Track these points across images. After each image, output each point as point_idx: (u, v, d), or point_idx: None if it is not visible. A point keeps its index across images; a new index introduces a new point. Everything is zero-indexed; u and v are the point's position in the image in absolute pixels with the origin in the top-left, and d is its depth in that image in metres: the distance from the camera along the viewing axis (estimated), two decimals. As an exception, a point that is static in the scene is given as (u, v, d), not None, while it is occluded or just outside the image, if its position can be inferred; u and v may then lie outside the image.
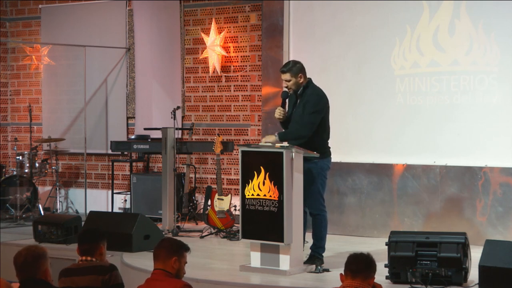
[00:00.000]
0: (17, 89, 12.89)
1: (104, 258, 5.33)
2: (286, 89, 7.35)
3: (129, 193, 11.00)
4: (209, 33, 10.73)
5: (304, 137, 7.12)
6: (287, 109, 7.36)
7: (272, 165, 6.85)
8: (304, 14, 9.89)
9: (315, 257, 7.22)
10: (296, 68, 7.24)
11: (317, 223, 7.27)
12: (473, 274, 6.42)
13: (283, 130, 7.32)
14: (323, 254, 7.31)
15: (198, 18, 11.01)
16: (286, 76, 7.23)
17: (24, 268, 4.68)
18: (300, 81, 7.24)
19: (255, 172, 6.94)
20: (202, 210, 9.84)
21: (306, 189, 7.13)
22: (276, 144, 7.00)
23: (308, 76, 7.31)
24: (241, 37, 10.63)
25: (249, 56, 10.57)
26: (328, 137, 7.36)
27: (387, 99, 9.28)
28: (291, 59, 9.22)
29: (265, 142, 7.13)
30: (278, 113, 7.27)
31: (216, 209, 9.37)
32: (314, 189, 7.21)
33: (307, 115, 7.14)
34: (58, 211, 11.56)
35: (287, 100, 7.35)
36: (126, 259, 7.72)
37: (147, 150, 10.52)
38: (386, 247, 6.58)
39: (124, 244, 8.09)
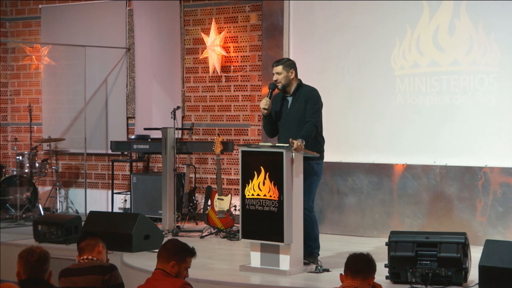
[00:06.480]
0: (17, 89, 12.89)
1: (102, 258, 5.31)
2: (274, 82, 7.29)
3: (129, 193, 11.00)
4: (209, 33, 10.73)
5: (317, 133, 7.13)
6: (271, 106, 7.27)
7: (272, 165, 6.84)
8: (304, 14, 9.88)
9: (313, 255, 7.19)
10: (289, 63, 7.27)
11: (308, 225, 7.13)
12: (473, 274, 6.42)
13: (302, 134, 6.93)
14: (319, 253, 7.30)
15: (198, 18, 11.01)
16: (278, 68, 7.21)
17: (36, 267, 4.65)
18: (291, 77, 7.21)
19: (255, 172, 6.93)
20: (202, 210, 9.84)
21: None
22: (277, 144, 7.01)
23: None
24: (241, 37, 10.62)
25: (249, 56, 10.57)
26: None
27: (387, 99, 9.28)
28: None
29: (300, 151, 6.80)
30: (265, 103, 7.20)
31: (216, 209, 9.37)
32: (312, 187, 7.17)
33: (316, 111, 7.10)
34: (58, 211, 11.55)
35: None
36: (126, 259, 7.72)
37: (147, 150, 10.51)
38: (386, 247, 6.58)
39: (124, 244, 8.09)
